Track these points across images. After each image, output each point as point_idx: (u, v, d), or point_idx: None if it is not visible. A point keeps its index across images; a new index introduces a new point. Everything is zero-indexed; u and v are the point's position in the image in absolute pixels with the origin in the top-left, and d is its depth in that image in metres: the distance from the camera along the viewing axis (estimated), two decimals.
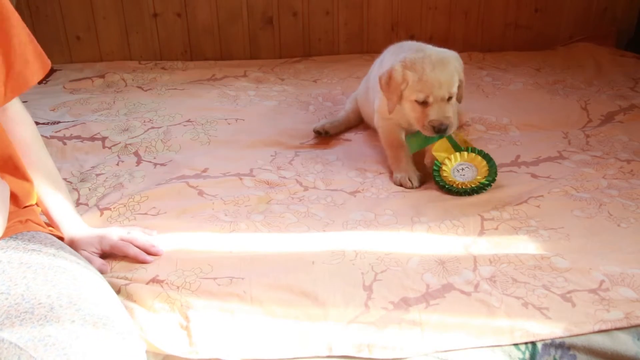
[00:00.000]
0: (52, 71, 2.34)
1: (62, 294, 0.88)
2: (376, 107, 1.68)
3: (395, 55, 1.58)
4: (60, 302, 0.86)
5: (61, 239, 1.14)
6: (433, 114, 1.49)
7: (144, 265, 1.18)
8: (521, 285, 1.14)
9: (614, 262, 1.20)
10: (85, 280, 0.95)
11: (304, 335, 1.03)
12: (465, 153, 1.53)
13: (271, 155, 1.68)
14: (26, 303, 0.84)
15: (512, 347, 1.03)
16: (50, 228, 1.13)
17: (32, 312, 0.83)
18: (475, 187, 1.45)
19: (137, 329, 1.01)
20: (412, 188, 1.51)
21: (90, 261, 1.12)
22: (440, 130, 1.49)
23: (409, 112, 1.55)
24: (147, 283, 1.13)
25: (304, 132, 1.83)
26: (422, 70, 1.48)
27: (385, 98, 1.56)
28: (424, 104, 1.50)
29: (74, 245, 1.17)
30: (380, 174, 1.59)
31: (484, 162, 1.51)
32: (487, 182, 1.46)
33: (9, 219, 0.98)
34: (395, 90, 1.52)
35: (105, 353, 0.84)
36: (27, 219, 1.03)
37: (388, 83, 1.53)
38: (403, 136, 1.65)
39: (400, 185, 1.52)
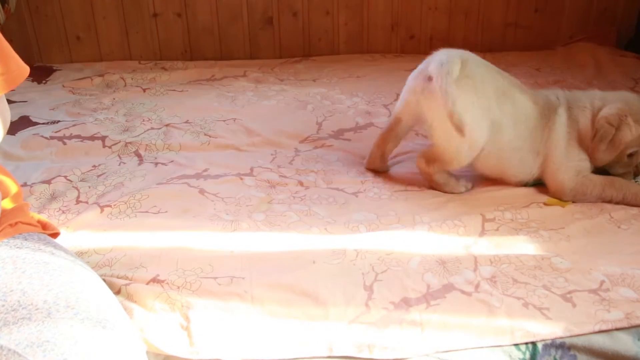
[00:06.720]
0: (52, 71, 2.34)
1: (59, 298, 0.87)
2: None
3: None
4: (57, 306, 0.86)
5: (55, 236, 1.12)
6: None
7: (144, 265, 1.17)
8: (522, 286, 1.14)
9: (615, 263, 1.20)
10: (83, 281, 0.95)
11: (305, 335, 1.03)
12: None
13: (271, 155, 1.68)
14: (23, 309, 0.84)
15: (513, 347, 1.03)
16: (43, 219, 1.12)
17: (30, 318, 0.83)
18: None
19: (137, 330, 1.00)
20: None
21: None
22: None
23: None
24: (148, 283, 1.13)
25: (304, 131, 1.83)
26: None
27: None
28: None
29: None
30: (379, 172, 1.59)
31: None
32: None
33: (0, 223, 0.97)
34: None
35: (105, 355, 0.83)
36: (17, 222, 1.01)
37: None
38: None
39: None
